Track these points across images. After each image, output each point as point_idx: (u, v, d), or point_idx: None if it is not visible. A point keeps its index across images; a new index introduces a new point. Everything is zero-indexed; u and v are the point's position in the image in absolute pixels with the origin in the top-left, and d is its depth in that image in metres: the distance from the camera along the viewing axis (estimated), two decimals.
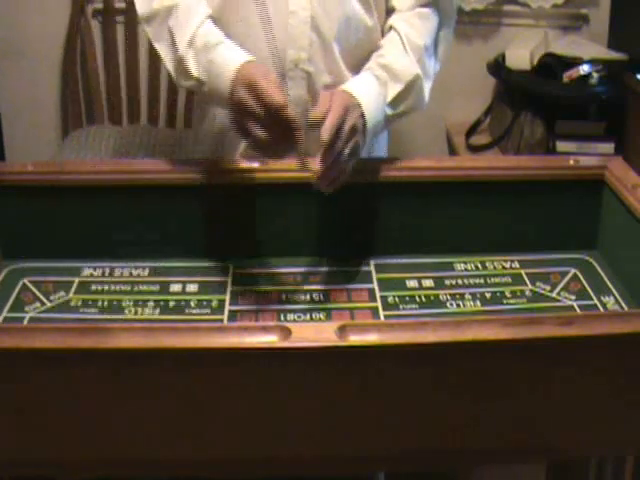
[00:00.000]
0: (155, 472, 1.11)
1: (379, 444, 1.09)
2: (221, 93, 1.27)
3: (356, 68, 1.41)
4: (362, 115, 1.28)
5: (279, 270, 1.37)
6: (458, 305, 1.30)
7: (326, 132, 1.18)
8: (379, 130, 1.37)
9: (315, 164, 1.19)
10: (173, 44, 1.33)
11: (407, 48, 1.38)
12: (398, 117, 1.41)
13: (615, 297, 1.32)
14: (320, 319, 1.26)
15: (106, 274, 1.36)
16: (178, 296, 1.32)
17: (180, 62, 1.32)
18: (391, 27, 1.42)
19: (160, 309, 1.29)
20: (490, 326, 1.03)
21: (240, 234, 1.39)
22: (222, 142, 1.50)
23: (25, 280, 1.34)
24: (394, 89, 1.36)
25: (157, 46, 1.37)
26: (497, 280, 1.37)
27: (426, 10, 1.43)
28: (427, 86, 1.41)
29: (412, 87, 1.38)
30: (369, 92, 1.32)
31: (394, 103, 1.37)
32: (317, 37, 1.36)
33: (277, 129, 1.19)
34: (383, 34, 1.44)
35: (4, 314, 1.26)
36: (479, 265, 1.40)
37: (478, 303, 1.31)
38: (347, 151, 1.23)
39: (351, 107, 1.25)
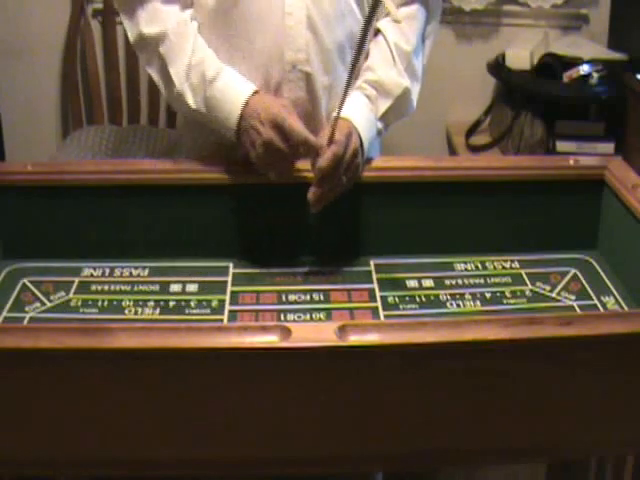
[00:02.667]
0: (154, 472, 1.11)
1: (379, 444, 1.08)
2: (227, 128, 1.33)
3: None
4: (360, 138, 1.33)
5: (279, 270, 1.37)
6: (458, 305, 1.30)
7: (325, 160, 1.25)
8: (372, 143, 1.41)
9: (312, 191, 1.26)
10: (167, 76, 1.36)
11: (396, 58, 1.41)
12: (388, 127, 1.45)
13: (615, 297, 1.32)
14: (320, 319, 1.26)
15: (106, 274, 1.36)
16: (178, 296, 1.32)
17: (178, 96, 1.36)
18: (379, 31, 1.43)
19: (160, 309, 1.29)
20: (490, 326, 1.03)
21: (240, 234, 1.39)
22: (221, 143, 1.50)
23: (25, 280, 1.34)
24: (384, 104, 1.41)
25: (150, 71, 1.41)
26: (497, 280, 1.37)
27: (413, 8, 1.43)
28: (415, 90, 1.45)
29: (401, 100, 1.42)
30: (362, 114, 1.38)
31: (384, 117, 1.42)
32: (313, 37, 1.36)
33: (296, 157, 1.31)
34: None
35: (4, 314, 1.26)
36: (479, 265, 1.40)
37: (478, 303, 1.31)
38: (349, 174, 1.30)
39: (351, 133, 1.31)
